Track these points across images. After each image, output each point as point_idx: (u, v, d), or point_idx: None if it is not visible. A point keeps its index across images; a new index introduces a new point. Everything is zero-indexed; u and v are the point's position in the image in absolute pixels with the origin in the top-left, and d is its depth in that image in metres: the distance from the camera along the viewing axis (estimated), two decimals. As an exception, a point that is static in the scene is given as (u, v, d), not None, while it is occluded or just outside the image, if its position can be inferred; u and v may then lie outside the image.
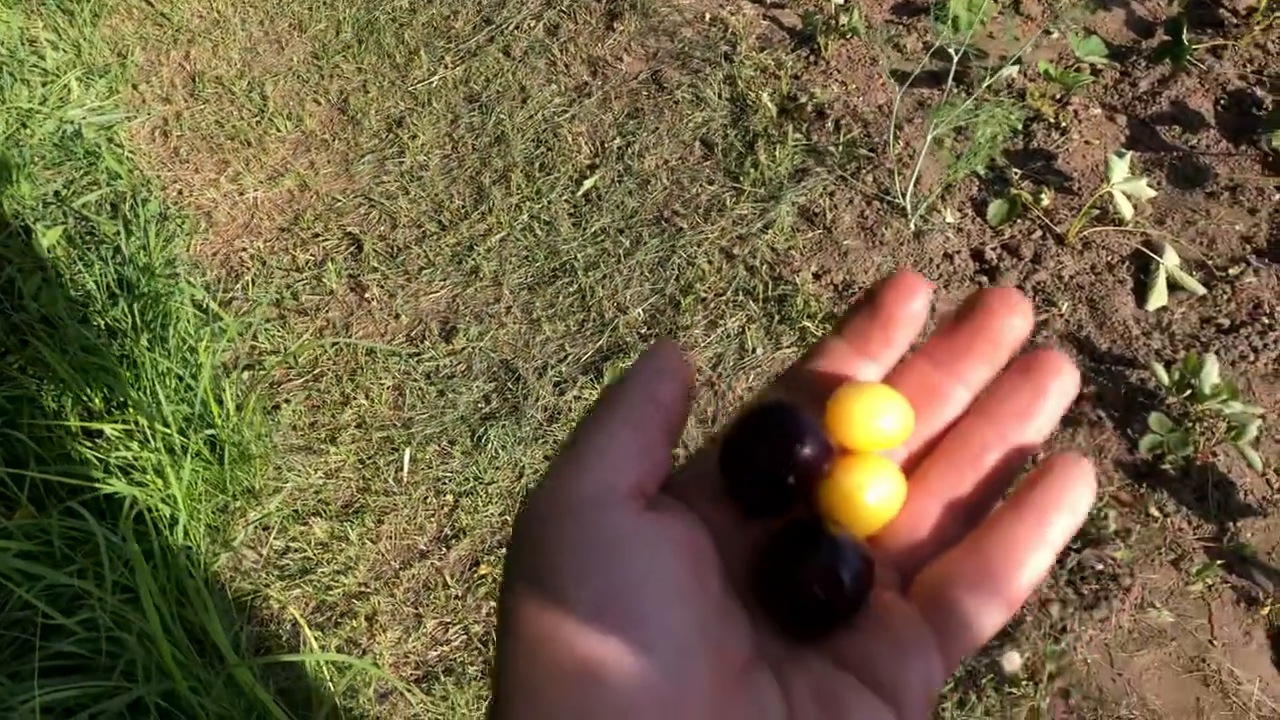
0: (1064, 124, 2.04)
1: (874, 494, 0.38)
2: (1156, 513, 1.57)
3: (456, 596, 1.59)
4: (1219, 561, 1.51)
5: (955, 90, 2.08)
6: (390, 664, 1.53)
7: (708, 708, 0.34)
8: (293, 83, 2.33)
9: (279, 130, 2.22)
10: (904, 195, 1.92)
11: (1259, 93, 2.07)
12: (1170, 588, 1.50)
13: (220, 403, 1.69)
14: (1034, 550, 0.36)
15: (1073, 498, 0.36)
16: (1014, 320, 0.39)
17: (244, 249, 2.02)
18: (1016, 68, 2.10)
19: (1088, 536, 1.55)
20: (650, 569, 0.35)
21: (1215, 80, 2.10)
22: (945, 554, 0.37)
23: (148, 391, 1.61)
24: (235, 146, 2.20)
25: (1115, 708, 1.40)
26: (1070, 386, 0.38)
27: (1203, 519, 1.56)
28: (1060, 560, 1.53)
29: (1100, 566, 1.52)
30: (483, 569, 1.61)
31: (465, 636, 1.56)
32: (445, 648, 1.55)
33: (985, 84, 1.98)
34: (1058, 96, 2.10)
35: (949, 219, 1.92)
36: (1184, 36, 2.06)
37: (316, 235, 2.04)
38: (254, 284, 1.96)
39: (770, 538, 0.38)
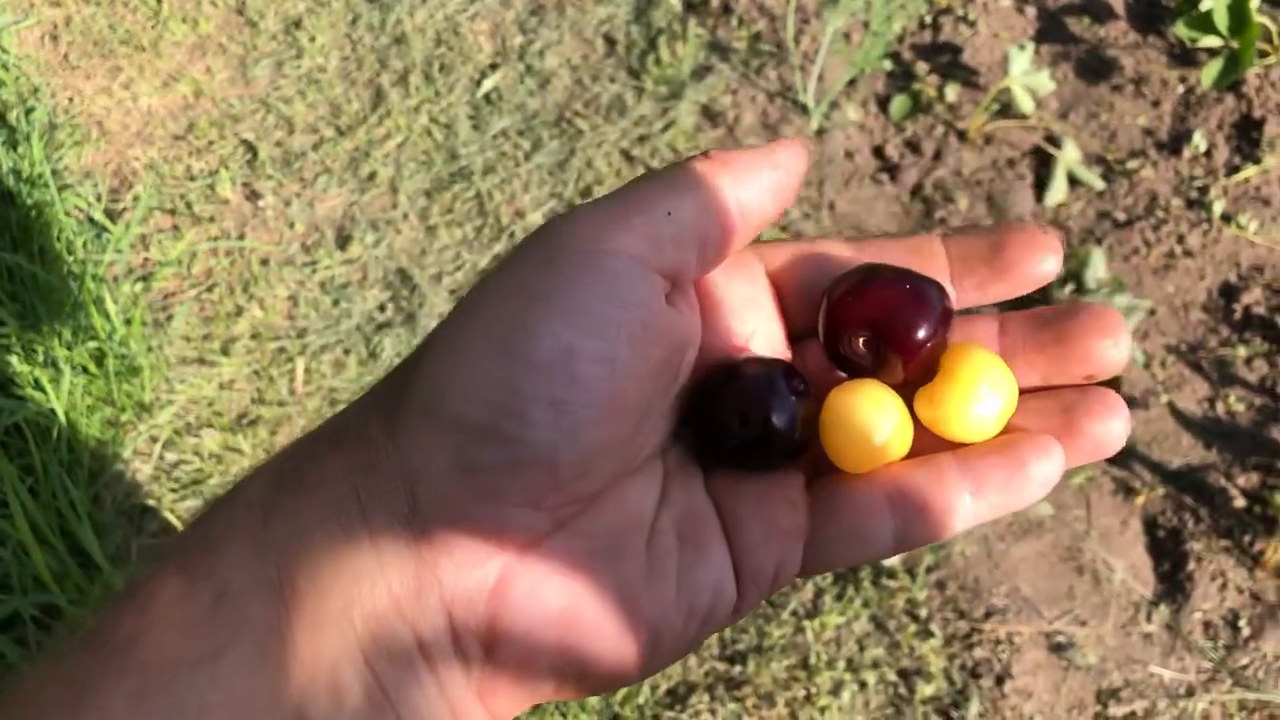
0: (972, 16, 2.01)
1: (881, 433, 0.38)
2: (1041, 407, 1.58)
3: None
4: (1099, 453, 1.53)
5: (862, -17, 2.04)
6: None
7: (613, 443, 0.34)
8: (189, -17, 2.25)
9: (173, 34, 2.15)
10: (807, 91, 1.89)
11: (1169, -18, 2.04)
12: (1050, 480, 1.52)
13: (106, 315, 1.66)
14: (960, 496, 0.37)
15: (1026, 475, 0.37)
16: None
17: (136, 158, 1.97)
18: (925, -42, 2.06)
19: (972, 432, 1.57)
20: (623, 314, 0.34)
21: (1126, -31, 2.07)
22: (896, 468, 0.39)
23: (27, 305, 1.59)
24: (128, 52, 2.13)
25: (989, 596, 1.43)
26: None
27: (1086, 412, 1.57)
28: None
29: (982, 461, 1.54)
30: (375, 476, 1.61)
31: None
32: None
33: (886, -24, 1.94)
34: (967, -12, 2.06)
35: (851, 116, 1.90)
36: (1095, -76, 2.02)
37: (211, 143, 1.99)
38: (146, 194, 1.92)
39: (722, 363, 0.39)
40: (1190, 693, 1.36)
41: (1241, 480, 1.51)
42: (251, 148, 1.98)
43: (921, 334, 0.38)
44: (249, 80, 2.08)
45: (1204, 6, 1.82)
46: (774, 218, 0.38)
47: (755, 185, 0.37)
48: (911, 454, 0.39)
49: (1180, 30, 1.87)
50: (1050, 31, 2.00)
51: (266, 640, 0.31)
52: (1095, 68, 1.95)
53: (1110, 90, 1.92)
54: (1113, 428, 0.38)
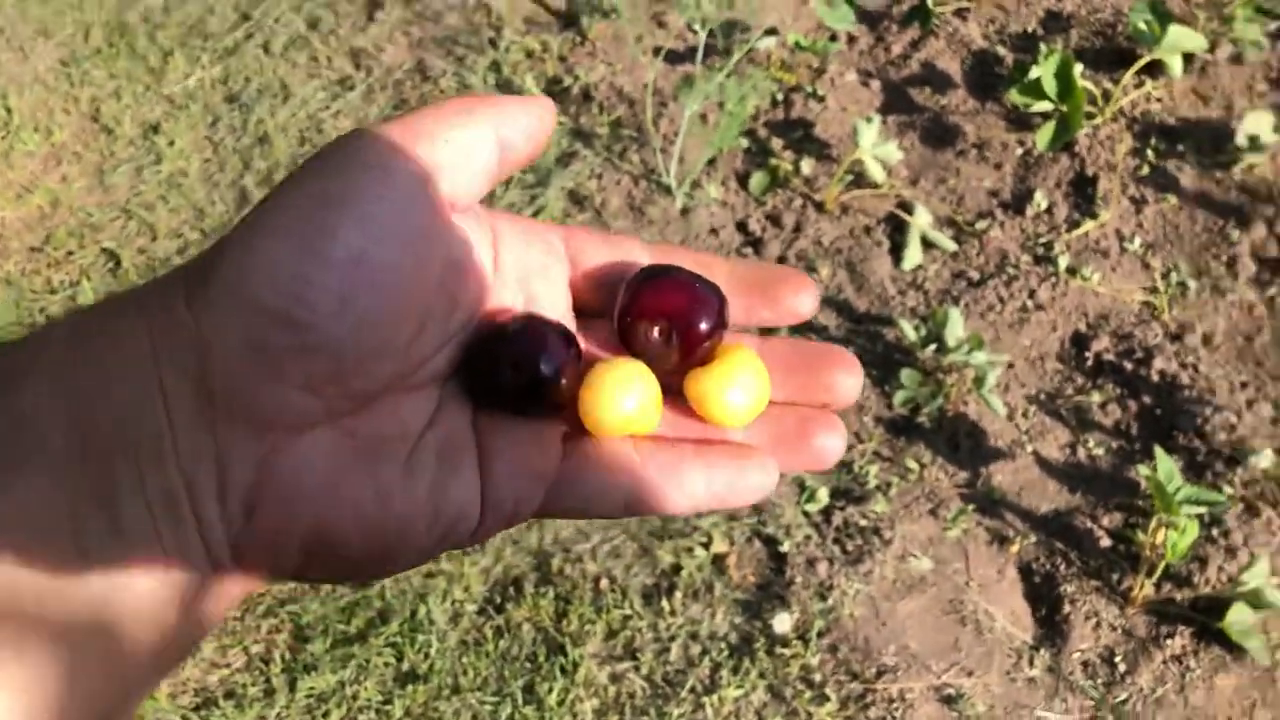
0: (821, 92, 2.10)
1: (631, 402, 0.43)
2: (914, 464, 1.64)
3: (235, 616, 1.56)
4: (972, 506, 1.59)
5: (716, 65, 2.11)
6: (167, 694, 1.49)
7: (390, 346, 0.38)
8: (40, 92, 2.21)
9: (26, 144, 2.11)
10: (669, 173, 1.95)
11: (1001, 51, 2.16)
12: (929, 536, 1.58)
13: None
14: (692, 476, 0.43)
15: (747, 477, 0.43)
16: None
17: (-9, 273, 1.92)
18: (774, 39, 2.14)
19: (851, 494, 1.61)
20: (408, 226, 0.38)
21: (961, 41, 2.19)
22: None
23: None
24: (-22, 165, 2.08)
25: (879, 656, 1.46)
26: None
27: (957, 467, 1.64)
28: (826, 518, 1.59)
29: (863, 522, 1.58)
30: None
31: (245, 658, 1.53)
32: (225, 671, 1.52)
33: (735, 58, 2.02)
34: (815, 66, 2.15)
35: (713, 193, 1.96)
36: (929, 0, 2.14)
37: (70, 253, 1.95)
38: (3, 308, 1.86)
39: (510, 316, 0.43)
40: (1076, 732, 1.41)
41: (1106, 521, 1.58)
42: (114, 256, 1.94)
43: (708, 328, 0.43)
44: (107, 188, 2.05)
45: (1034, 74, 1.94)
46: (528, 158, 0.43)
47: (514, 125, 0.42)
48: (664, 438, 0.44)
49: (1014, 97, 1.98)
50: (895, 103, 2.10)
51: (62, 467, 0.34)
52: (939, 135, 2.05)
53: (955, 156, 2.02)
54: (832, 443, 0.44)
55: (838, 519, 1.58)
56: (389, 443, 0.40)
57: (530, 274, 0.45)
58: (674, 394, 0.45)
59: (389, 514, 0.39)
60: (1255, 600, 1.43)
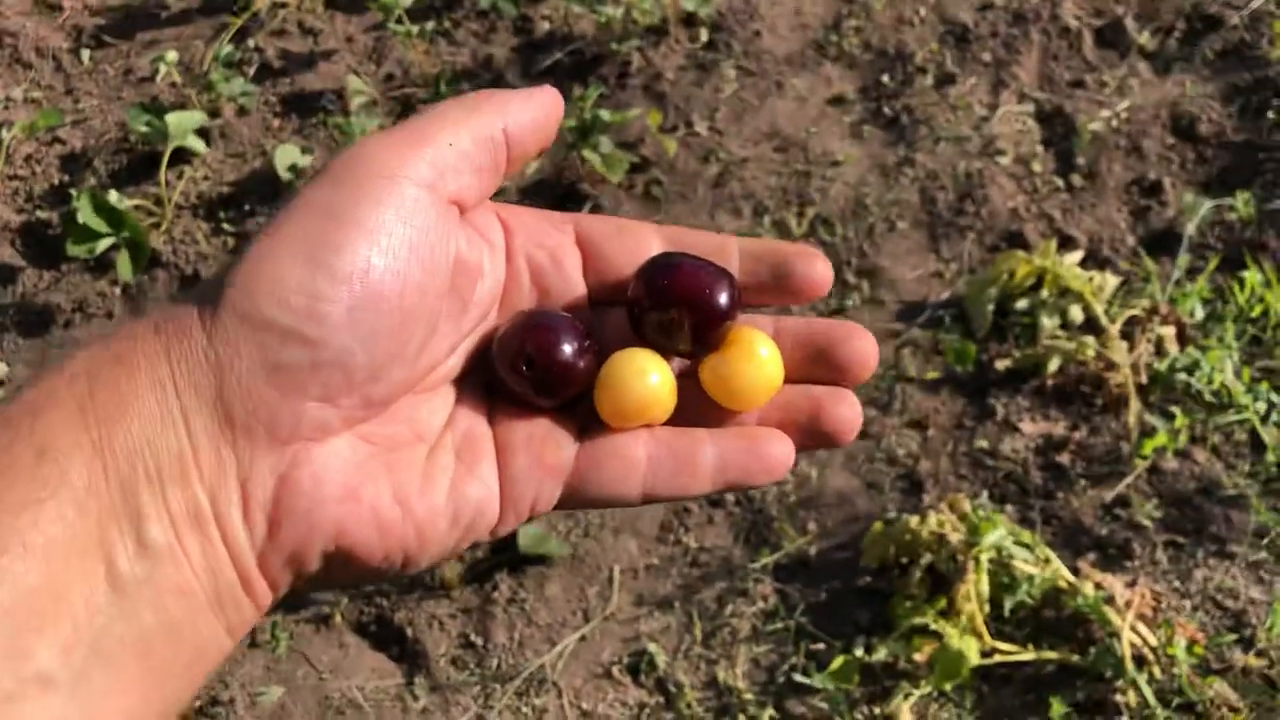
0: None
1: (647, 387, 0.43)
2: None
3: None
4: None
5: None
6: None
7: (402, 352, 0.40)
8: None
9: None
10: None
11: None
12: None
13: None
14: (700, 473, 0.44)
15: (762, 456, 0.44)
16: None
17: None
18: None
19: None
20: (416, 236, 0.39)
21: None
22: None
23: None
24: None
25: None
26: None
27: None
28: None
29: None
30: None
31: None
32: None
33: None
34: None
35: None
36: None
37: None
38: None
39: (525, 311, 0.44)
40: None
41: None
42: None
43: (718, 315, 0.44)
44: None
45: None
46: (538, 149, 0.44)
47: (519, 119, 0.42)
48: (678, 425, 0.45)
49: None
50: None
51: (85, 496, 0.35)
52: None
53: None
54: (847, 419, 0.44)
55: None
56: (407, 446, 0.41)
57: (543, 267, 0.45)
58: (689, 379, 0.45)
59: (409, 518, 0.40)
60: None
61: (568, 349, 0.43)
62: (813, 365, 0.46)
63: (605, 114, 1.94)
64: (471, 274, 0.43)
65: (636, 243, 0.46)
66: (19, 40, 2.28)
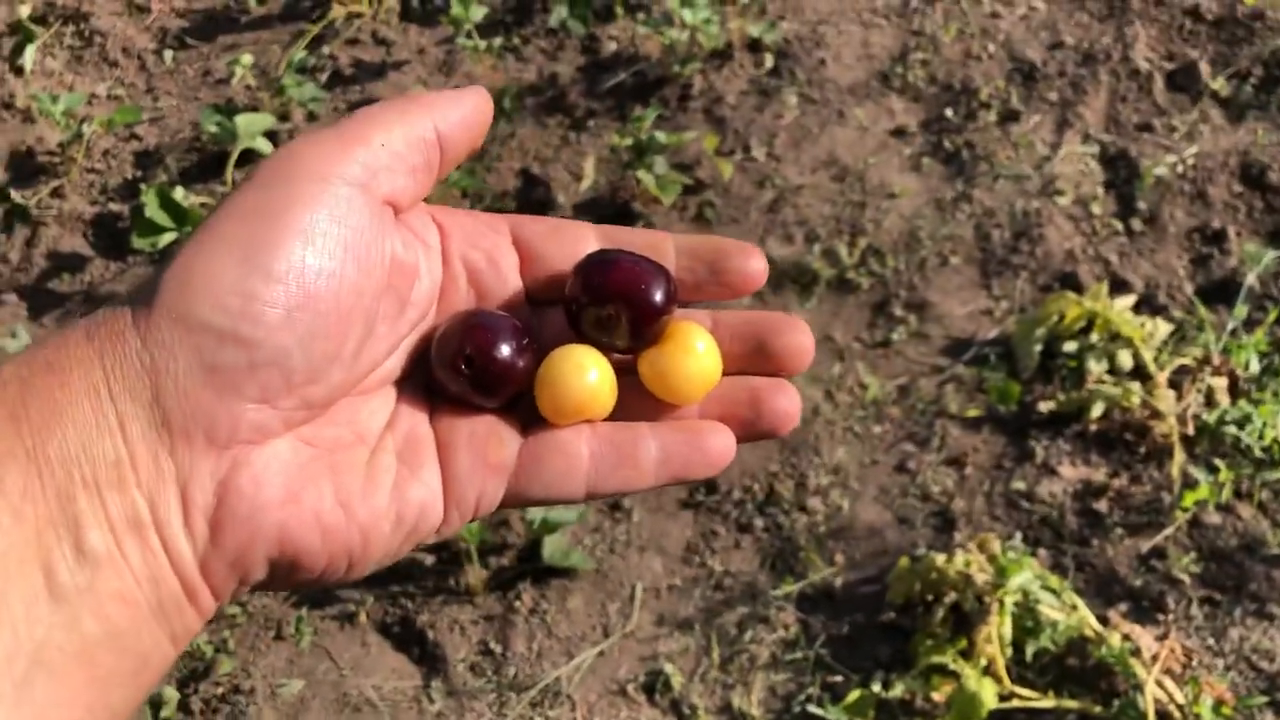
0: None
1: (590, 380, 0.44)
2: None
3: None
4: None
5: None
6: None
7: (339, 352, 0.40)
8: None
9: None
10: None
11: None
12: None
13: None
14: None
15: (704, 448, 0.44)
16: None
17: None
18: None
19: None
20: (350, 236, 0.39)
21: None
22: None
23: None
24: None
25: None
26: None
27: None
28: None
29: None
30: None
31: None
32: None
33: None
34: None
35: None
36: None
37: None
38: None
39: (463, 312, 0.45)
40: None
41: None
42: None
43: (655, 310, 0.44)
44: None
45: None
46: (468, 150, 0.44)
47: (450, 119, 0.43)
48: (619, 420, 0.45)
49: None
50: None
51: (20, 504, 0.34)
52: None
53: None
54: (785, 409, 0.45)
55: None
56: (347, 446, 0.41)
57: (480, 268, 0.46)
58: (628, 374, 0.46)
59: (352, 521, 0.39)
60: None
61: (506, 348, 0.43)
62: (751, 357, 0.46)
63: (661, 135, 1.95)
64: (408, 274, 0.43)
65: (573, 242, 0.46)
66: (108, 39, 2.36)
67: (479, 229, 0.46)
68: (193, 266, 0.38)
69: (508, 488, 0.43)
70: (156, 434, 0.37)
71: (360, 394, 0.43)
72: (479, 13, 2.15)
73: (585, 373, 0.44)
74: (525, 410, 0.45)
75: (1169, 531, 1.55)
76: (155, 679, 0.38)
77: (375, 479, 0.41)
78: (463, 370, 0.43)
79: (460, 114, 0.43)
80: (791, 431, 1.70)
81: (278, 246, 0.38)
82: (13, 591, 0.34)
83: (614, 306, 0.44)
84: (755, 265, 0.46)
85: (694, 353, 0.44)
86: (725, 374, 0.46)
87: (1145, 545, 1.55)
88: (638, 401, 0.46)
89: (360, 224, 0.40)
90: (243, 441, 0.38)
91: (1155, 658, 1.37)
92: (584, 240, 0.47)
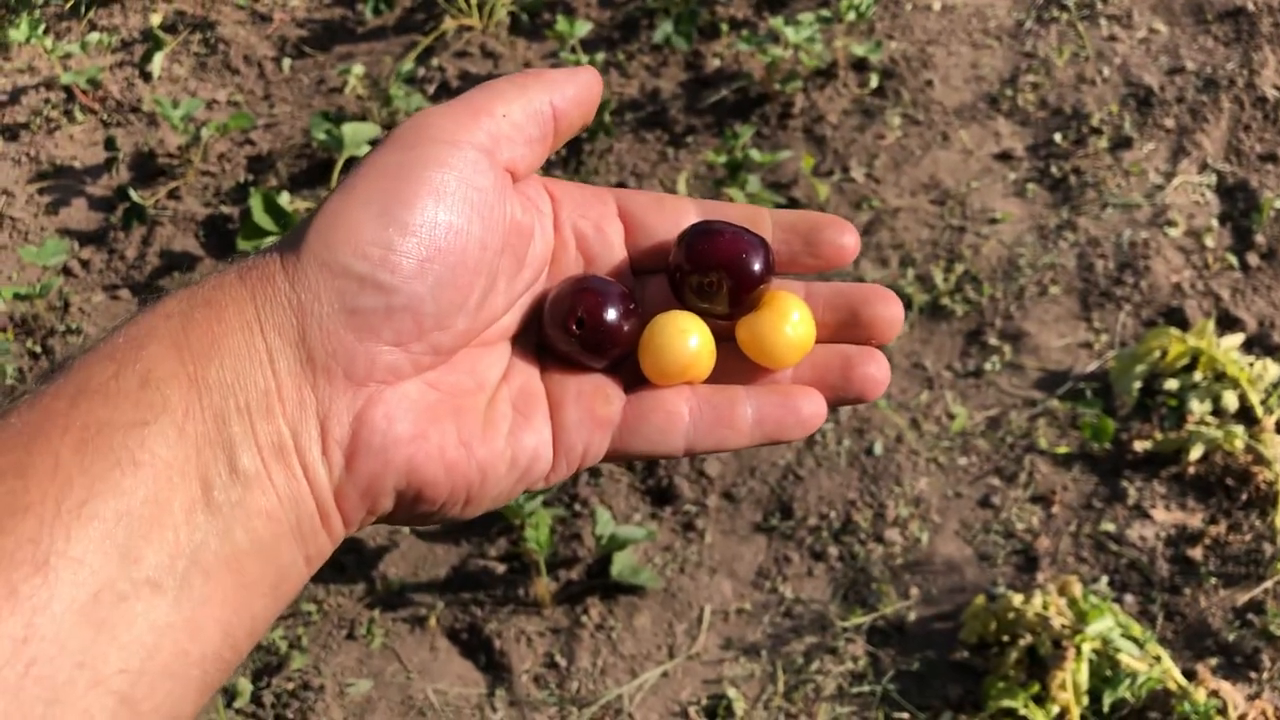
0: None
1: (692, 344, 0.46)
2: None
3: None
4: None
5: None
6: None
7: (464, 303, 0.43)
8: None
9: None
10: None
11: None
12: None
13: None
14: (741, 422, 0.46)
15: (797, 410, 0.46)
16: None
17: None
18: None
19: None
20: (476, 195, 0.43)
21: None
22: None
23: None
24: None
25: None
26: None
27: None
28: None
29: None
30: None
31: None
32: None
33: None
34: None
35: None
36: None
37: None
38: None
39: (572, 278, 0.47)
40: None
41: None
42: None
43: (754, 278, 0.46)
44: None
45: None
46: (580, 124, 0.47)
47: (564, 95, 0.46)
48: (717, 383, 0.47)
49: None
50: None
51: (184, 420, 0.38)
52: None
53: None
54: (875, 376, 0.47)
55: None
56: (469, 394, 0.44)
57: (588, 236, 0.49)
58: (726, 340, 0.48)
59: (472, 459, 0.43)
60: None
61: (614, 312, 0.46)
62: (843, 327, 0.48)
63: (756, 154, 1.93)
64: (525, 236, 0.46)
65: (675, 214, 0.49)
66: (231, 48, 2.45)
67: (587, 199, 0.49)
68: (337, 218, 0.42)
69: (612, 442, 0.46)
70: (301, 369, 0.41)
71: (480, 345, 0.46)
72: (583, 28, 2.17)
73: (687, 337, 0.46)
74: (628, 372, 0.48)
75: (1268, 584, 1.47)
76: (291, 593, 0.42)
77: (494, 424, 0.44)
78: (573, 331, 0.46)
79: (574, 90, 0.47)
80: (873, 460, 1.67)
81: (413, 202, 0.42)
82: (175, 499, 0.37)
83: (715, 275, 0.47)
84: (848, 239, 0.48)
85: (789, 320, 0.46)
86: (818, 342, 0.48)
87: (1241, 598, 1.47)
88: (735, 366, 0.48)
89: (485, 185, 0.43)
90: (377, 380, 0.42)
91: (1243, 718, 1.30)
92: (685, 213, 0.49)
